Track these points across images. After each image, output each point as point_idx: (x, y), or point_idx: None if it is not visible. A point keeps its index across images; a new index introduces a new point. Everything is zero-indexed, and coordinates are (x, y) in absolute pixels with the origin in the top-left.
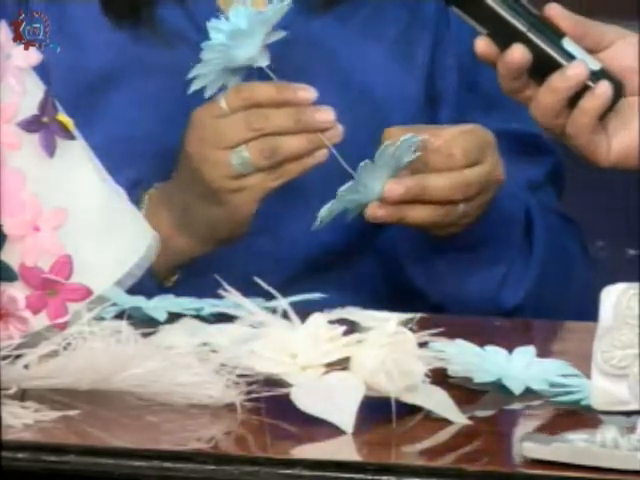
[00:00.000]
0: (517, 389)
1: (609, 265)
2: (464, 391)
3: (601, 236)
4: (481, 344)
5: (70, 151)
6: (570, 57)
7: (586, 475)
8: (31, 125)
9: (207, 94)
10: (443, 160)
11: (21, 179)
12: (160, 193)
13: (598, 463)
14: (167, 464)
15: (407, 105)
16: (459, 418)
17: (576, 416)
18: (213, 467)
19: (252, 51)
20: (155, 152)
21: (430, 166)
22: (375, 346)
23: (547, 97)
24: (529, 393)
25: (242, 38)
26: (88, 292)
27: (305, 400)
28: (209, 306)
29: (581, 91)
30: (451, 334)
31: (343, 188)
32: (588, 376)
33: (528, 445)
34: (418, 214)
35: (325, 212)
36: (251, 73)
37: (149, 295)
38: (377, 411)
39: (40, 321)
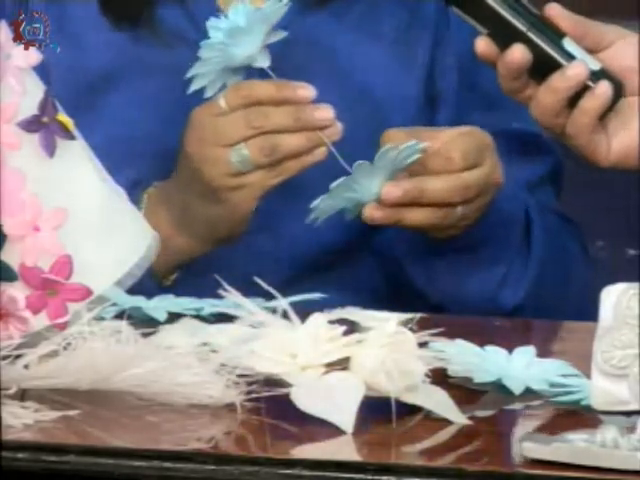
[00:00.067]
0: (517, 389)
1: (609, 265)
2: (464, 391)
3: (601, 236)
4: (481, 344)
5: (70, 151)
6: (570, 57)
7: (586, 475)
8: (31, 125)
9: (208, 94)
10: (441, 163)
11: (21, 179)
12: (159, 192)
13: (598, 463)
14: (167, 464)
15: (407, 105)
16: (459, 418)
17: (576, 416)
18: (213, 467)
19: (251, 50)
20: (155, 152)
21: (428, 168)
22: (375, 346)
23: (547, 97)
24: (529, 393)
25: (241, 36)
26: (88, 292)
27: (305, 400)
28: (209, 306)
29: (581, 91)
30: (451, 334)
31: (335, 184)
32: (588, 376)
33: (528, 445)
34: (416, 216)
35: (318, 207)
36: (251, 72)
37: (149, 295)
38: (377, 411)
39: (40, 321)
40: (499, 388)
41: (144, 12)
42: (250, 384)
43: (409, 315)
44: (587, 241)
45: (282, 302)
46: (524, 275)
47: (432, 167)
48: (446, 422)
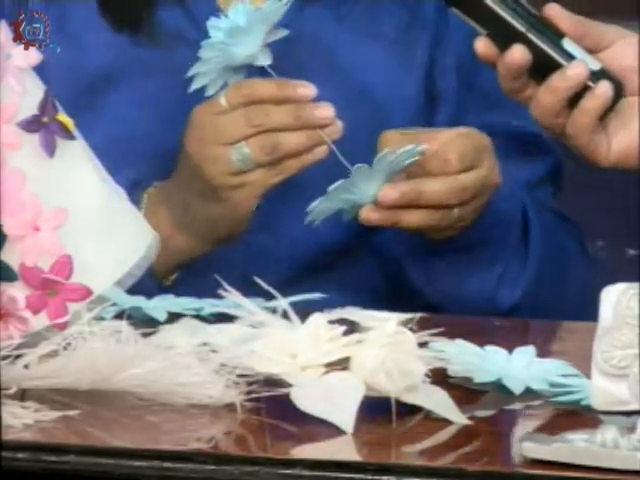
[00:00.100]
0: (517, 389)
1: (609, 265)
2: (464, 391)
3: (601, 236)
4: (481, 344)
5: (70, 151)
6: (570, 57)
7: (586, 475)
8: (31, 125)
9: (209, 93)
10: (438, 165)
11: (21, 179)
12: (159, 192)
13: (598, 463)
14: (167, 464)
15: (406, 105)
16: (459, 418)
17: (576, 416)
18: (213, 467)
19: (252, 49)
20: (155, 152)
21: (425, 170)
22: (375, 346)
23: (547, 97)
24: (529, 393)
25: (241, 36)
26: (88, 292)
27: (305, 400)
28: (209, 306)
29: (581, 91)
30: (451, 334)
31: (333, 187)
32: (588, 376)
33: (528, 445)
34: (413, 218)
35: (315, 209)
36: (251, 71)
37: (149, 295)
38: (377, 411)
39: (40, 321)
40: (499, 388)
41: (143, 15)
42: (250, 384)
43: (409, 315)
44: (587, 241)
45: (282, 302)
46: (522, 274)
47: (429, 169)
48: (446, 422)
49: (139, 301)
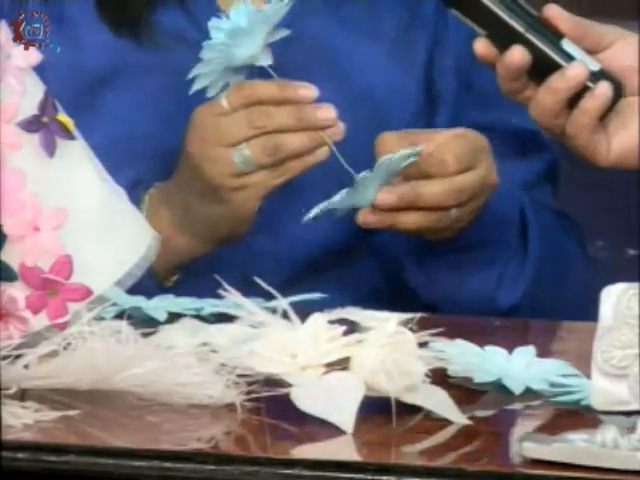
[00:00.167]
0: (517, 389)
1: (609, 265)
2: (464, 391)
3: (601, 236)
4: (481, 344)
5: (70, 151)
6: (569, 58)
7: (586, 475)
8: (31, 125)
9: (210, 94)
10: (436, 166)
11: (21, 179)
12: (160, 193)
13: (598, 463)
14: (167, 464)
15: (407, 105)
16: (459, 418)
17: (576, 416)
18: (213, 467)
19: (253, 50)
20: (155, 152)
21: (423, 172)
22: (375, 346)
23: (547, 98)
24: (529, 393)
25: (242, 37)
26: (88, 292)
27: (305, 400)
28: (209, 306)
29: (581, 92)
30: (451, 334)
31: (335, 199)
32: (588, 376)
33: (528, 445)
34: (410, 220)
35: (317, 214)
36: (252, 72)
37: (149, 295)
38: (377, 411)
39: (40, 321)
40: (499, 388)
41: (143, 17)
42: (250, 384)
43: (409, 315)
44: (587, 241)
45: (282, 302)
46: (521, 275)
47: (426, 170)
48: (446, 422)
49: (139, 301)
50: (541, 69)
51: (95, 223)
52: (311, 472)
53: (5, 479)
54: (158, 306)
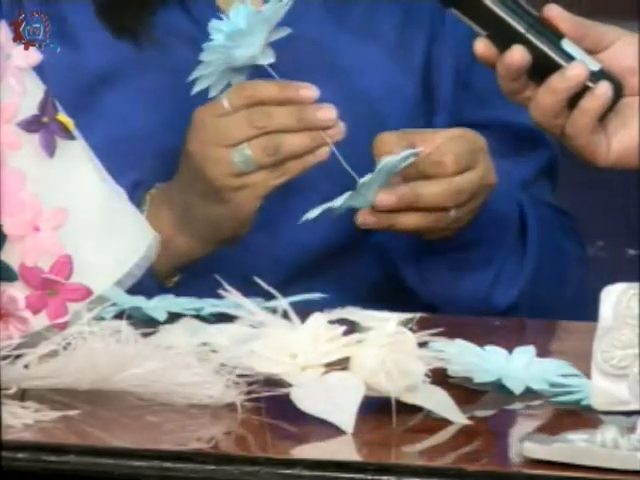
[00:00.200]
0: (517, 389)
1: (609, 265)
2: (464, 391)
3: (601, 236)
4: (481, 344)
5: (70, 151)
6: (569, 58)
7: (586, 475)
8: (31, 125)
9: (211, 94)
10: (434, 167)
11: (21, 179)
12: (161, 193)
13: (598, 463)
14: (167, 464)
15: (406, 105)
16: (459, 418)
17: (576, 416)
18: (213, 467)
19: (253, 50)
20: (156, 152)
21: (421, 172)
22: (375, 346)
23: (547, 98)
24: (529, 393)
25: (242, 37)
26: (88, 292)
27: (305, 400)
28: (209, 306)
29: (581, 92)
30: (451, 334)
31: (338, 202)
32: (588, 376)
33: (528, 445)
34: (409, 221)
35: (315, 213)
36: (253, 72)
37: (149, 295)
38: (377, 411)
39: (40, 321)
40: (499, 388)
41: (142, 19)
42: (250, 384)
43: (409, 315)
44: (587, 241)
45: (282, 302)
46: (519, 274)
47: (425, 171)
48: (446, 422)
49: (139, 301)
50: (541, 69)
51: (95, 223)
52: (311, 472)
53: (5, 479)
54: (158, 306)
